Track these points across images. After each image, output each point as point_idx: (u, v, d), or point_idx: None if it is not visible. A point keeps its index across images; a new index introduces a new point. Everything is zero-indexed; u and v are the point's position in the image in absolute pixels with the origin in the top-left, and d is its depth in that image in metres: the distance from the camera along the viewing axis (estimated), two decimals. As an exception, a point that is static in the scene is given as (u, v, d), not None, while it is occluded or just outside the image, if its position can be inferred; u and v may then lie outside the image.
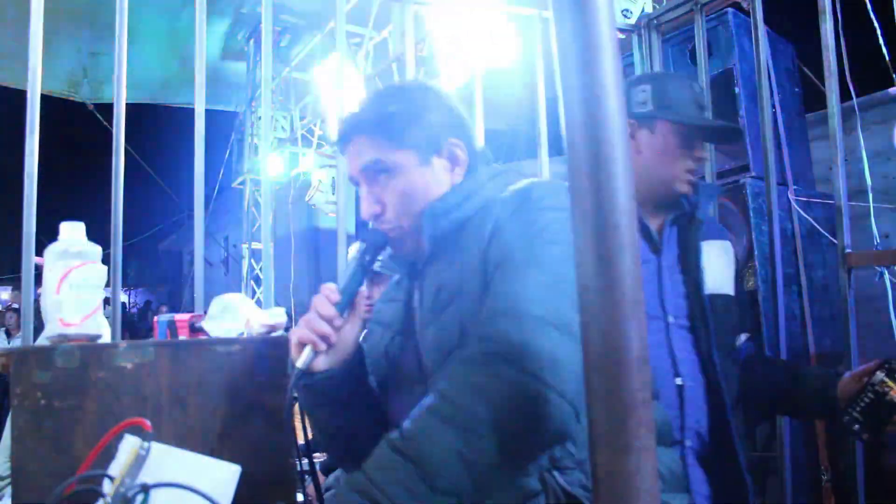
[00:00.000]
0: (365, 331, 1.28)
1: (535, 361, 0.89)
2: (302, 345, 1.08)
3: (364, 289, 1.13)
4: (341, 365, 1.13)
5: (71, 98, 6.63)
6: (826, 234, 2.93)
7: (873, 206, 2.31)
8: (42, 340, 1.29)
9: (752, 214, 2.88)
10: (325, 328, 1.08)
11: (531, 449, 0.93)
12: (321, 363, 1.10)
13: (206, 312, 1.48)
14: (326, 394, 1.14)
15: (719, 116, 2.68)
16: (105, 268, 1.22)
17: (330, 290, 1.10)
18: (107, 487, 0.86)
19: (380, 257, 1.20)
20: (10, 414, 1.07)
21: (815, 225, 2.97)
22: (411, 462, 0.88)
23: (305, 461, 1.29)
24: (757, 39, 2.21)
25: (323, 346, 1.08)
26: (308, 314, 1.09)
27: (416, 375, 1.15)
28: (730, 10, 3.01)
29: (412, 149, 1.15)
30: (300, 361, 1.07)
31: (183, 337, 1.49)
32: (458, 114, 1.22)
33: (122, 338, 2.29)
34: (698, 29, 2.48)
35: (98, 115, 6.45)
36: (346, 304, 1.10)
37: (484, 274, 1.05)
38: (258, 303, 1.80)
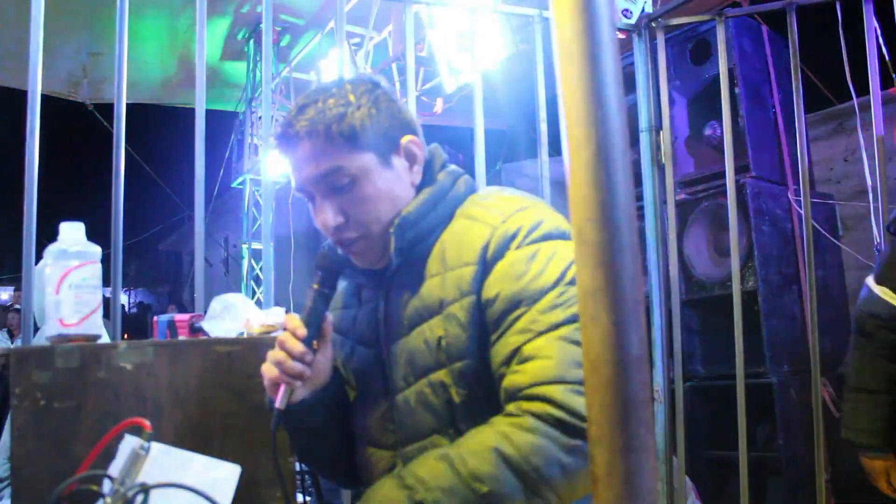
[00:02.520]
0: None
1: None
2: (276, 384, 1.05)
3: (329, 315, 1.10)
4: (317, 391, 1.12)
5: (71, 98, 6.62)
6: (826, 234, 2.93)
7: (873, 206, 2.31)
8: (41, 340, 1.29)
9: (752, 214, 2.88)
10: (298, 367, 1.04)
11: (576, 498, 0.98)
12: (298, 394, 1.08)
13: (206, 312, 1.49)
14: (302, 420, 1.12)
15: (719, 116, 2.69)
16: (100, 267, 1.22)
17: (295, 326, 1.05)
18: (107, 487, 0.86)
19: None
20: (9, 414, 1.07)
21: (815, 225, 2.97)
22: (478, 499, 0.92)
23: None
24: (795, 51, 2.21)
25: (298, 384, 1.06)
26: (276, 353, 1.05)
27: (381, 389, 1.12)
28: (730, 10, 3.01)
29: (371, 150, 1.07)
30: (279, 402, 1.04)
31: (183, 337, 1.49)
32: (405, 109, 1.16)
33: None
34: (721, 38, 2.50)
35: (98, 115, 6.45)
36: (314, 336, 1.07)
37: (477, 299, 1.03)
38: (258, 303, 1.79)
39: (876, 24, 2.22)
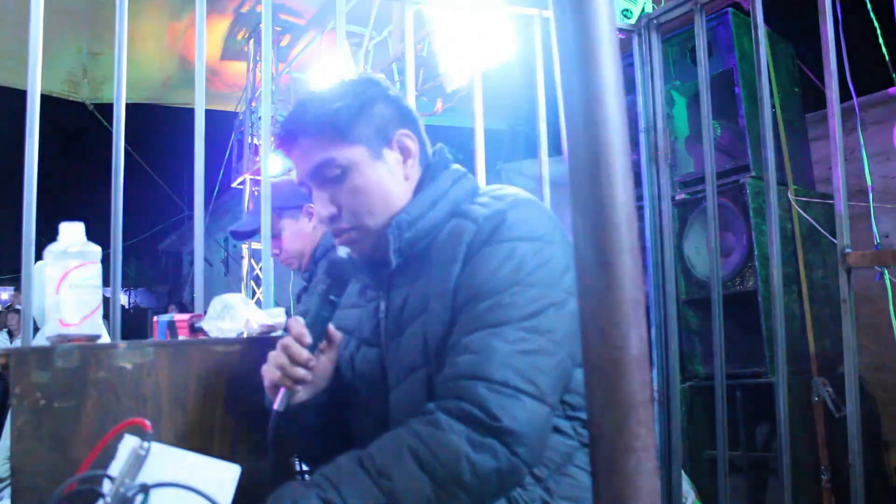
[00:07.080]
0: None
1: (509, 434, 0.93)
2: (276, 386, 1.05)
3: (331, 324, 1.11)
4: (318, 393, 1.12)
5: (71, 98, 6.62)
6: (826, 234, 2.93)
7: (873, 206, 2.31)
8: (41, 340, 1.29)
9: (752, 214, 2.88)
10: (301, 373, 1.05)
11: (492, 499, 0.98)
12: (299, 396, 1.09)
13: (205, 312, 1.48)
14: (301, 421, 1.13)
15: (719, 116, 2.69)
16: (100, 267, 1.22)
17: (299, 333, 1.05)
18: (107, 487, 0.86)
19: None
20: (9, 414, 1.07)
21: (815, 225, 2.97)
22: (384, 496, 0.91)
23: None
24: (757, 40, 2.21)
25: (299, 389, 1.07)
26: (278, 357, 1.05)
27: (381, 387, 1.13)
28: (730, 10, 3.00)
29: (362, 143, 1.11)
30: (277, 404, 1.04)
31: (183, 337, 1.49)
32: (404, 105, 1.18)
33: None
34: (698, 29, 2.48)
35: (98, 115, 6.44)
36: (318, 342, 1.07)
37: (453, 299, 1.04)
38: (258, 303, 1.79)
39: (876, 22, 2.22)
